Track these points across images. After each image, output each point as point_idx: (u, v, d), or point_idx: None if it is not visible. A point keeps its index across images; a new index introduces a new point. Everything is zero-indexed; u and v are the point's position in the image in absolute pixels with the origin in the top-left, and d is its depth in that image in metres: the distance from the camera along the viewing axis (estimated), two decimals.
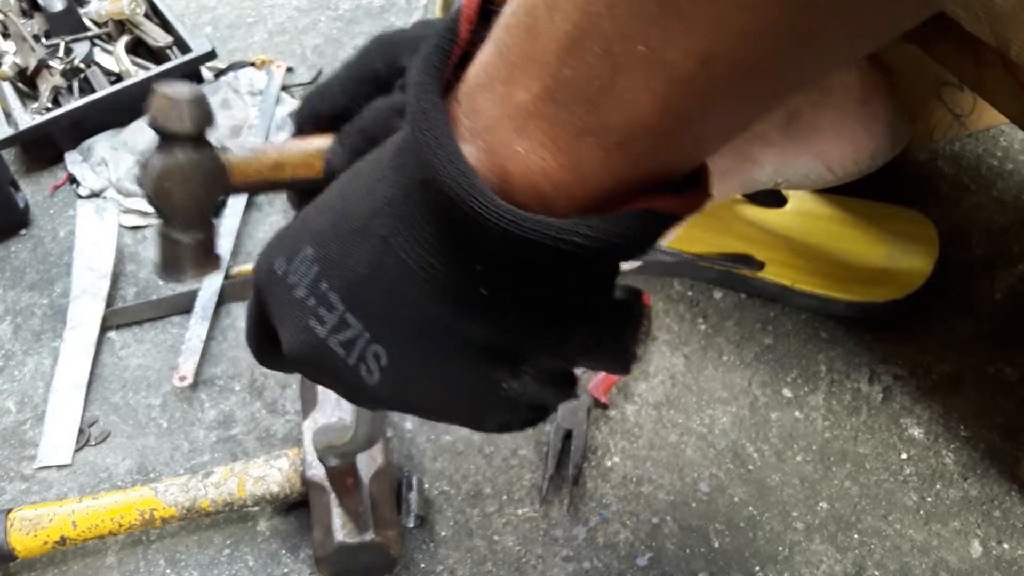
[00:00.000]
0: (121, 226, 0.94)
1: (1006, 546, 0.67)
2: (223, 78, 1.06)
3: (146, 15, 1.08)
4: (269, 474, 0.68)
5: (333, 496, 0.64)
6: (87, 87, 1.03)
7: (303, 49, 1.15)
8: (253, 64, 1.09)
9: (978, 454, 0.71)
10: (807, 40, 0.22)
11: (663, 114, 0.23)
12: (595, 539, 0.69)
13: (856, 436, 0.73)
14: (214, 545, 0.71)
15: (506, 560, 0.69)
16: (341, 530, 0.63)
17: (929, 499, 0.70)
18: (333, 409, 0.69)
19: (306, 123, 0.37)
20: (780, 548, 0.68)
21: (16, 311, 0.89)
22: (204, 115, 0.32)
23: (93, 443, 0.78)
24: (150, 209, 0.94)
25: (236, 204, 0.94)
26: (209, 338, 0.84)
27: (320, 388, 0.70)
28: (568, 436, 0.74)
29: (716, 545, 0.68)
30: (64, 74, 1.02)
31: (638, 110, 0.23)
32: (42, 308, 0.89)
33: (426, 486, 0.73)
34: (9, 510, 0.68)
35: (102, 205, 0.96)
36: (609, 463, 0.73)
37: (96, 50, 1.06)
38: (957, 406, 0.74)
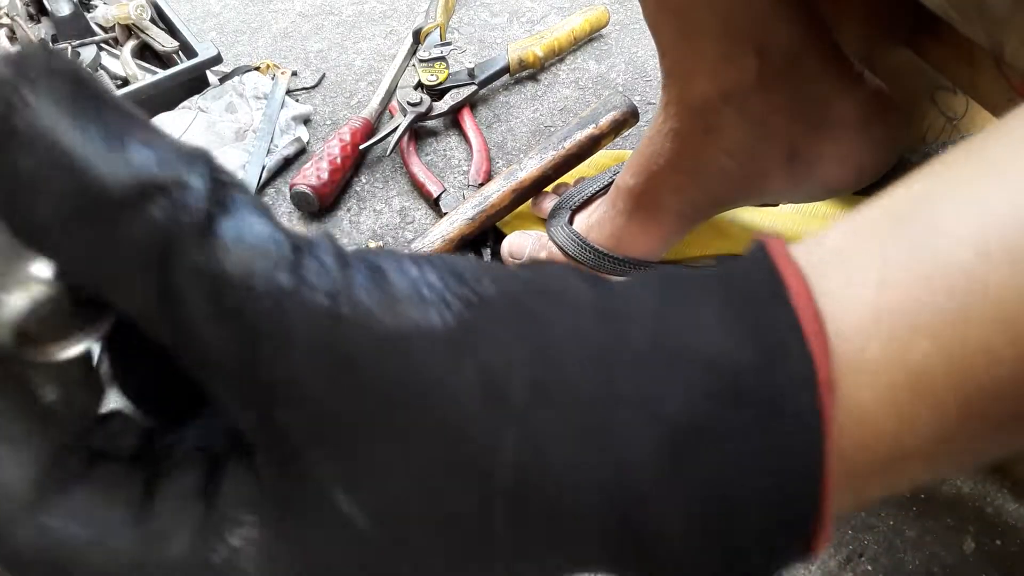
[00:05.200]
0: None
1: (999, 542, 0.68)
2: (228, 82, 1.07)
3: (152, 20, 1.09)
4: None
5: None
6: None
7: (307, 54, 1.16)
8: (258, 68, 1.11)
9: None
10: None
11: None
12: None
13: None
14: None
15: None
16: None
17: (922, 495, 0.71)
18: None
19: None
20: None
21: None
22: None
23: None
24: None
25: None
26: None
27: None
28: None
29: None
30: None
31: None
32: None
33: None
34: None
35: None
36: None
37: (103, 54, 1.08)
38: None
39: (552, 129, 1.00)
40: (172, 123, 1.00)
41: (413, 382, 0.20)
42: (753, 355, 0.21)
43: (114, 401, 0.24)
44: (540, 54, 1.05)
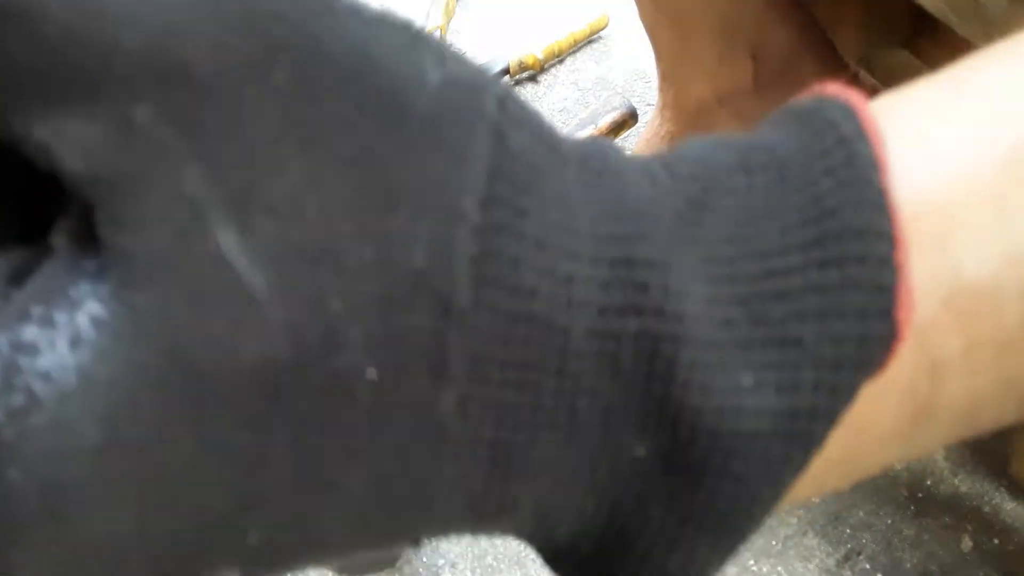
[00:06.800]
0: None
1: (996, 541, 0.69)
2: None
3: None
4: None
5: None
6: None
7: None
8: None
9: (968, 451, 0.73)
10: None
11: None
12: None
13: None
14: None
15: (507, 554, 0.70)
16: None
17: (920, 494, 0.71)
18: None
19: None
20: (774, 542, 0.69)
21: None
22: None
23: None
24: None
25: None
26: None
27: None
28: None
29: None
30: None
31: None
32: None
33: None
34: None
35: None
36: None
37: None
38: None
39: None
40: None
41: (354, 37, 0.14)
42: (795, 137, 0.18)
43: None
44: (540, 56, 1.05)
